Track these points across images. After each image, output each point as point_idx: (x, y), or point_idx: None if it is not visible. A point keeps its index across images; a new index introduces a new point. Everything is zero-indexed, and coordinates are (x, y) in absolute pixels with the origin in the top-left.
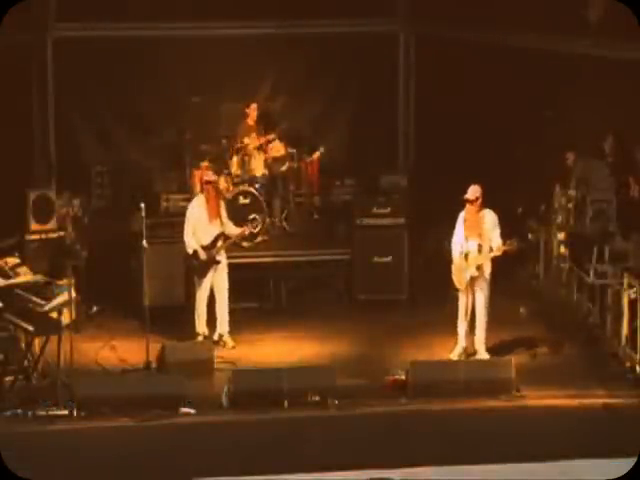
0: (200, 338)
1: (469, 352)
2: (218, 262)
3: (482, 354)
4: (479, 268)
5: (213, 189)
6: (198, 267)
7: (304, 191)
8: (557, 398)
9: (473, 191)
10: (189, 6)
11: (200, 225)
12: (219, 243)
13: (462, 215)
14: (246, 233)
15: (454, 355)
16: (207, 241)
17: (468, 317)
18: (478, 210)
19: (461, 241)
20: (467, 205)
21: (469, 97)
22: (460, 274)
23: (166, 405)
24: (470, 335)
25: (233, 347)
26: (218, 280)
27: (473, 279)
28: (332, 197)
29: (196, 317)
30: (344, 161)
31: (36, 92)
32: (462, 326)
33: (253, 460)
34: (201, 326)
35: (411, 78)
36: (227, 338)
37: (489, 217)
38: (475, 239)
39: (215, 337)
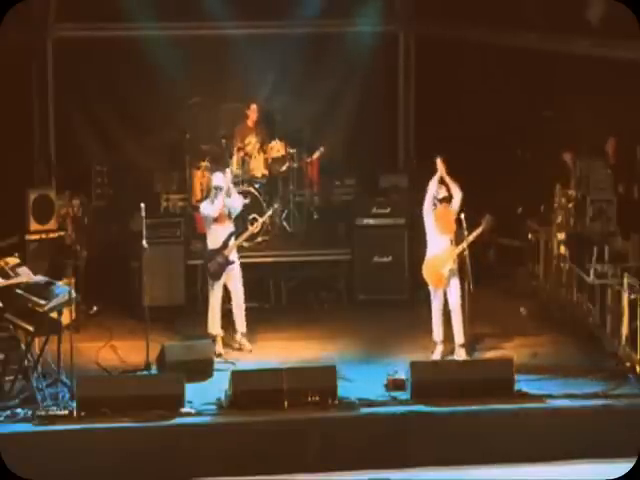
0: (219, 340)
1: (448, 351)
2: (232, 262)
3: (461, 354)
4: (454, 261)
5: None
6: (212, 269)
7: (304, 191)
8: (557, 398)
9: (444, 190)
10: (189, 6)
11: (209, 227)
12: (230, 242)
13: (432, 215)
14: (255, 231)
15: (436, 356)
16: (217, 244)
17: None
18: (448, 204)
19: (437, 240)
20: (439, 204)
21: (469, 97)
22: (435, 271)
23: (166, 405)
24: (447, 334)
25: (250, 351)
26: (233, 281)
27: (449, 274)
28: (332, 197)
29: (210, 318)
30: (344, 161)
31: (36, 92)
32: (439, 325)
33: (253, 460)
34: (215, 328)
35: (411, 78)
36: (244, 341)
37: (453, 206)
38: (448, 234)
39: (237, 338)
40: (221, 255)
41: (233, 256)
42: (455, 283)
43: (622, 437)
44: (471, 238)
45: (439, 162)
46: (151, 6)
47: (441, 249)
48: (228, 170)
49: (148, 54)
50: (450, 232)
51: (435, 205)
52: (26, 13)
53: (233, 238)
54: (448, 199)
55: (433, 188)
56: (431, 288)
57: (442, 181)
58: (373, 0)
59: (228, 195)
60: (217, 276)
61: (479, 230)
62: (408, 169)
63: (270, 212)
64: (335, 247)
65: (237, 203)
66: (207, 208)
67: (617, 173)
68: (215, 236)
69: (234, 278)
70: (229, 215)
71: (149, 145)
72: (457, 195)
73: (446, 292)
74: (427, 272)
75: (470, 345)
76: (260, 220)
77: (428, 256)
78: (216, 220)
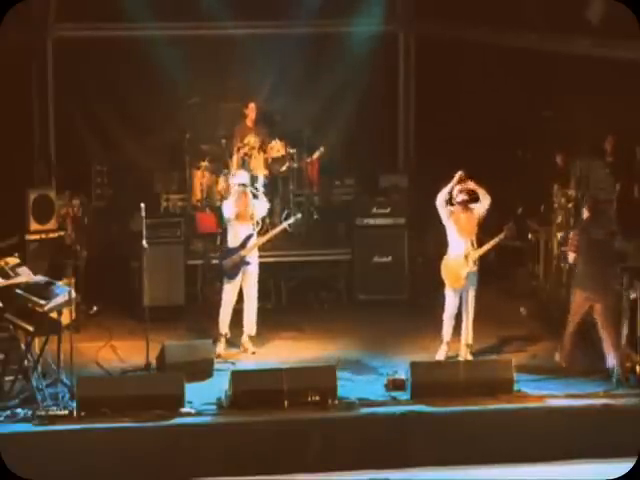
0: (222, 339)
1: (454, 352)
2: (248, 263)
3: (466, 354)
4: (475, 262)
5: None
6: (227, 267)
7: (304, 191)
8: (557, 398)
9: (463, 193)
10: (189, 6)
11: (230, 225)
12: (249, 243)
13: (449, 216)
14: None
15: (439, 356)
16: (236, 243)
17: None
18: (467, 207)
19: (456, 241)
20: (457, 205)
21: (469, 97)
22: (454, 273)
23: (166, 405)
24: (455, 335)
25: (253, 353)
26: (248, 284)
27: (467, 276)
28: (332, 197)
29: (220, 318)
30: (344, 161)
31: (36, 92)
32: (449, 326)
33: (253, 460)
34: (224, 327)
35: (411, 78)
36: (248, 343)
37: (477, 211)
38: (469, 236)
39: (242, 339)
40: (238, 255)
41: (250, 257)
42: (472, 285)
43: (622, 437)
44: (492, 244)
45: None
46: (151, 6)
47: (461, 251)
48: (261, 175)
49: (148, 54)
50: (470, 235)
51: (453, 205)
52: (26, 13)
53: (253, 239)
54: (467, 202)
55: (447, 190)
56: (447, 288)
57: (461, 183)
58: (373, 0)
59: (255, 197)
60: (231, 275)
61: (501, 236)
62: (408, 169)
63: (292, 220)
64: (335, 247)
65: (262, 207)
66: (227, 209)
67: (616, 172)
68: (235, 233)
69: (249, 281)
70: (251, 216)
71: (149, 145)
72: (485, 201)
73: (461, 293)
74: (445, 272)
75: (475, 346)
76: (281, 226)
77: (447, 256)
78: (238, 218)
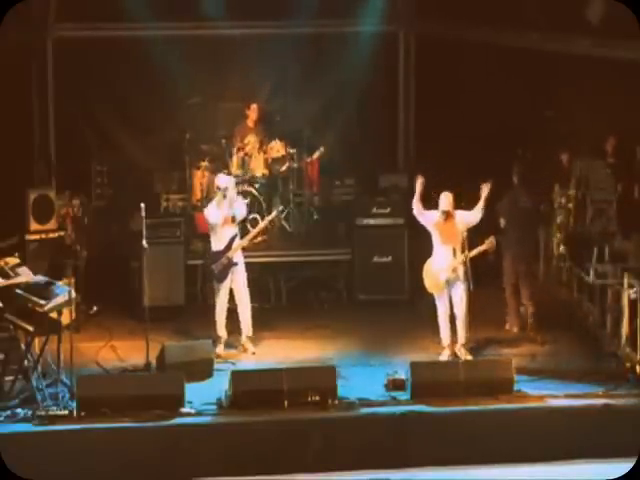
0: (221, 341)
1: (454, 354)
2: (235, 264)
3: (463, 354)
4: (454, 270)
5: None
6: (217, 270)
7: (304, 191)
8: (557, 398)
9: (448, 201)
10: (189, 6)
11: (214, 228)
12: (234, 244)
13: (433, 222)
14: (258, 232)
15: (443, 358)
16: (221, 246)
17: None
18: (450, 215)
19: (438, 247)
20: (441, 216)
21: (469, 97)
22: (434, 279)
23: (166, 405)
24: (453, 337)
25: (253, 353)
26: (237, 284)
27: (449, 281)
28: (332, 197)
29: (216, 321)
30: (344, 161)
31: (36, 92)
32: (446, 329)
33: (253, 460)
34: (221, 329)
35: (411, 78)
36: (248, 343)
37: (459, 218)
38: (451, 244)
39: (242, 340)
40: (225, 257)
41: (237, 258)
42: (457, 288)
43: (622, 437)
44: (471, 255)
45: (444, 197)
46: (151, 6)
47: (443, 257)
48: (233, 176)
49: (148, 54)
50: (453, 243)
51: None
52: (26, 13)
53: (237, 239)
54: (448, 212)
55: (416, 205)
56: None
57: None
58: (373, 0)
59: (234, 200)
60: (222, 278)
61: (480, 249)
62: (408, 169)
63: (275, 214)
64: (335, 247)
65: (242, 209)
66: (212, 214)
67: (617, 173)
68: (219, 238)
69: (239, 281)
70: (233, 219)
71: (149, 145)
72: (477, 215)
73: (451, 296)
74: (426, 277)
75: (470, 345)
76: (264, 222)
77: (429, 262)
78: (223, 222)
